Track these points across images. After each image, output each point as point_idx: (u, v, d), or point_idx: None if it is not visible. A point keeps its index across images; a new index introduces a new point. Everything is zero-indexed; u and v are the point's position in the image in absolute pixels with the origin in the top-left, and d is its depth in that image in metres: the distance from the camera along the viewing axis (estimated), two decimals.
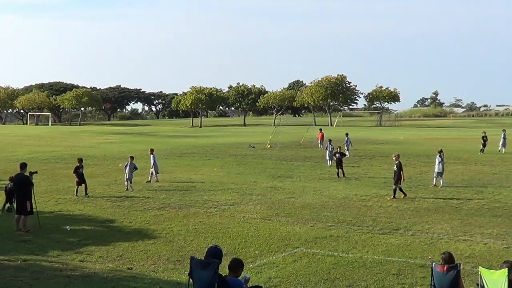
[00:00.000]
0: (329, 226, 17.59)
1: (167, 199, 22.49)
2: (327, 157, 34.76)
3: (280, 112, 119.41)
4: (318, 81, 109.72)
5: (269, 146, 49.55)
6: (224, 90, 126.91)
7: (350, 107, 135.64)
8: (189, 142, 57.04)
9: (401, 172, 22.66)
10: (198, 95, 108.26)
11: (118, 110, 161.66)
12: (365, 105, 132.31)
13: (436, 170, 25.87)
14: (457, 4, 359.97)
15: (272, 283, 12.02)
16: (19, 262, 13.56)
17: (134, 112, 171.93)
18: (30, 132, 79.63)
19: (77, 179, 23.10)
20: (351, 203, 21.58)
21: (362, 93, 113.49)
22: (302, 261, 13.72)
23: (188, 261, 8.83)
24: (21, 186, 17.25)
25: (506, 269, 8.18)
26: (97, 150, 46.46)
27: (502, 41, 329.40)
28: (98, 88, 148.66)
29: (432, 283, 8.95)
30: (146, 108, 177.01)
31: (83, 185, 23.13)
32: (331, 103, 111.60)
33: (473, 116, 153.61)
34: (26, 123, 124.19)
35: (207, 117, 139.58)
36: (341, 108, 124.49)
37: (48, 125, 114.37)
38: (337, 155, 29.91)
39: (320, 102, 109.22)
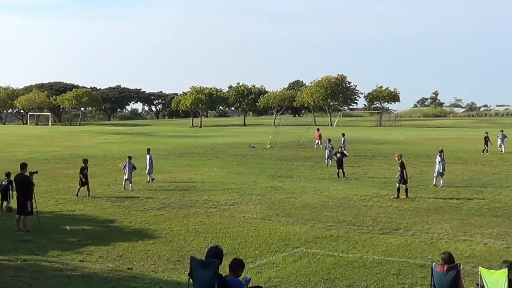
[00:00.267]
0: (329, 226, 17.59)
1: (167, 199, 22.49)
2: (326, 157, 34.89)
3: (280, 112, 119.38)
4: (318, 81, 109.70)
5: (269, 146, 49.55)
6: (224, 90, 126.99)
7: (350, 107, 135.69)
8: (189, 142, 57.04)
9: (403, 171, 22.65)
10: (198, 95, 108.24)
11: (118, 110, 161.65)
12: (365, 105, 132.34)
13: (437, 169, 25.91)
14: (457, 4, 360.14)
15: (272, 283, 12.03)
16: (19, 262, 13.57)
17: (134, 112, 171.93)
18: (30, 132, 79.63)
19: (83, 180, 23.03)
20: (351, 203, 21.59)
21: (362, 93, 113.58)
22: (302, 261, 13.72)
23: (188, 261, 8.83)
24: (22, 186, 17.25)
25: (506, 269, 8.18)
26: (97, 150, 46.46)
27: (502, 41, 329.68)
28: (98, 88, 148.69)
29: (432, 283, 8.95)
30: (146, 108, 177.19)
31: (86, 186, 23.08)
32: (331, 103, 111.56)
33: (473, 116, 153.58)
34: (26, 123, 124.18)
35: (207, 117, 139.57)
36: (341, 108, 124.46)
37: (48, 125, 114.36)
38: (338, 155, 29.89)
39: (320, 102, 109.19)
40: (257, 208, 20.63)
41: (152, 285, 11.98)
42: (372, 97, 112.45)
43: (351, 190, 24.68)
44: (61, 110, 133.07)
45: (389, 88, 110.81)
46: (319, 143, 47.51)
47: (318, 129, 51.11)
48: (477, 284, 8.80)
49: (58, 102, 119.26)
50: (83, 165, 23.41)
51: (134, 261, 13.80)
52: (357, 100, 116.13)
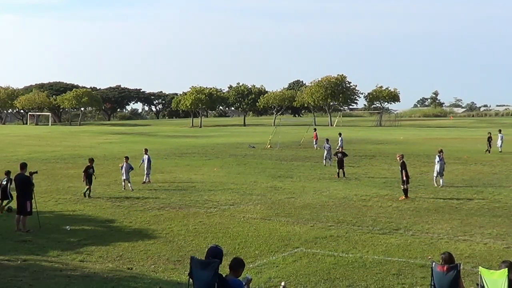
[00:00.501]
0: (329, 226, 17.59)
1: (167, 199, 22.49)
2: (324, 157, 34.93)
3: (280, 112, 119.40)
4: (318, 81, 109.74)
5: (269, 146, 49.55)
6: (224, 90, 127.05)
7: (350, 107, 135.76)
8: (189, 142, 57.04)
9: (403, 171, 22.59)
10: (198, 95, 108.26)
11: (118, 110, 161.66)
12: (365, 105, 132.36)
13: (435, 169, 25.95)
14: (457, 4, 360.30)
15: (272, 283, 12.02)
16: (19, 262, 13.57)
17: (134, 112, 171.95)
18: (30, 132, 79.63)
19: (86, 179, 22.94)
20: (351, 203, 21.59)
21: (362, 93, 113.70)
22: (302, 261, 13.72)
23: (188, 261, 8.82)
24: (22, 186, 17.25)
25: (506, 269, 8.18)
26: (97, 150, 46.45)
27: (502, 41, 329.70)
28: (98, 88, 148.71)
29: (432, 283, 8.95)
30: (146, 108, 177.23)
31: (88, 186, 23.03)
32: (331, 103, 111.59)
33: (473, 116, 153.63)
34: (26, 123, 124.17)
35: (207, 117, 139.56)
36: (341, 108, 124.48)
37: (48, 125, 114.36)
38: (338, 155, 29.85)
39: (320, 102, 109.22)
40: (257, 208, 20.63)
41: (152, 285, 11.98)
42: (372, 97, 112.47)
43: (351, 190, 24.68)
44: (61, 110, 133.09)
45: (389, 88, 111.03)
46: (315, 143, 47.61)
47: (315, 129, 51.15)
48: (477, 284, 8.80)
49: (58, 102, 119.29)
50: (89, 164, 23.38)
51: (134, 261, 13.80)
52: (357, 100, 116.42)
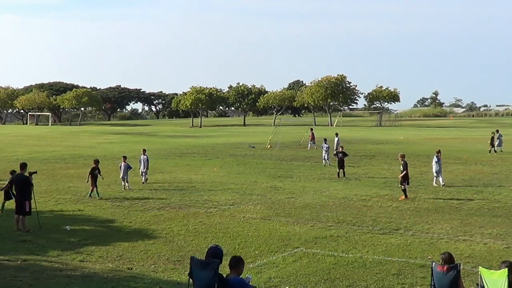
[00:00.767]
0: (329, 226, 17.59)
1: (167, 199, 22.49)
2: (323, 157, 34.98)
3: (280, 112, 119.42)
4: (318, 81, 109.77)
5: (269, 146, 49.55)
6: (224, 90, 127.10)
7: (350, 107, 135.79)
8: (189, 142, 57.04)
9: (404, 171, 22.57)
10: (198, 95, 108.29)
11: (118, 110, 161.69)
12: (365, 105, 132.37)
13: (434, 170, 25.99)
14: (457, 4, 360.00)
15: (272, 283, 12.03)
16: (19, 262, 13.57)
17: (134, 112, 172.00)
18: (30, 132, 79.63)
19: (91, 180, 22.92)
20: (351, 203, 21.58)
21: (362, 93, 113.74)
22: (302, 261, 13.72)
23: (188, 261, 8.83)
24: (21, 186, 17.25)
25: (506, 269, 8.17)
26: (97, 150, 46.45)
27: (502, 41, 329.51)
28: (98, 88, 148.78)
29: (432, 283, 8.94)
30: (146, 108, 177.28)
31: (92, 186, 22.98)
32: (331, 103, 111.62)
33: (473, 116, 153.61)
34: (26, 123, 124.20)
35: (207, 117, 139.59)
36: (341, 108, 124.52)
37: (48, 125, 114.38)
38: (339, 155, 29.84)
39: (320, 102, 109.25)
40: (257, 208, 20.63)
41: (152, 285, 11.98)
42: (372, 97, 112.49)
43: (351, 190, 24.68)
44: (61, 110, 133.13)
45: (389, 88, 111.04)
46: (312, 143, 47.60)
47: (311, 129, 51.12)
48: (477, 284, 8.80)
49: (58, 102, 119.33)
50: (94, 165, 23.35)
51: (134, 261, 13.80)
52: (357, 100, 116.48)
